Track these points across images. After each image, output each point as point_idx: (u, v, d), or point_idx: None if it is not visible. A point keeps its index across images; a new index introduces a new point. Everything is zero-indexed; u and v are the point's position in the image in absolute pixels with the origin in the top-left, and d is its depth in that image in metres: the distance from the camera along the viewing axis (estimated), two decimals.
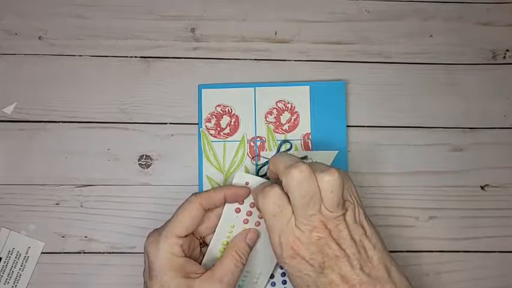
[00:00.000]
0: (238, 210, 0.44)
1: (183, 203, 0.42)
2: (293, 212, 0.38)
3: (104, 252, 0.48)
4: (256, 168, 0.49)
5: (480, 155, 0.51)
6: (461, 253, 0.50)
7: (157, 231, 0.41)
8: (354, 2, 0.53)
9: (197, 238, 0.44)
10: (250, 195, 0.44)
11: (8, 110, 0.50)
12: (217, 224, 0.44)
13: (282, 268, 0.48)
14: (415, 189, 0.50)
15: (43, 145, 0.49)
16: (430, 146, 0.51)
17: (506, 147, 0.51)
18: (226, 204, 0.44)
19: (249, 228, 0.44)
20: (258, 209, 0.40)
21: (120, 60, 0.51)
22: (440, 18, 0.53)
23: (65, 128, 0.50)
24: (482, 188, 0.51)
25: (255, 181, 0.44)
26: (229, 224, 0.44)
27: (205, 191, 0.43)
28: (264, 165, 0.49)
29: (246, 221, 0.44)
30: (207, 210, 0.43)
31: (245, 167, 0.49)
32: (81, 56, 0.51)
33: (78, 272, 0.48)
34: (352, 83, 0.51)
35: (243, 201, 0.44)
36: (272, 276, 0.47)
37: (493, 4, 0.53)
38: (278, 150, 0.50)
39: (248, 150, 0.50)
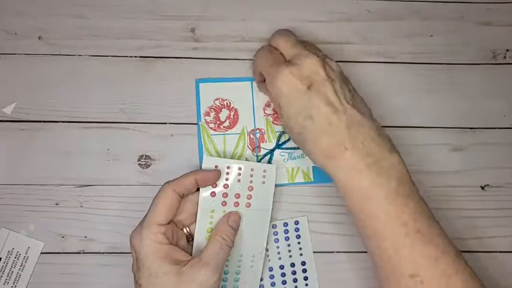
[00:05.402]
0: (213, 194, 0.46)
1: (157, 193, 0.43)
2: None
3: (103, 252, 0.48)
4: (257, 159, 0.50)
5: (480, 155, 0.51)
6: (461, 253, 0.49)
7: (140, 225, 0.42)
8: (354, 2, 0.53)
9: (181, 229, 0.45)
10: (222, 177, 0.46)
11: (8, 110, 0.50)
12: (197, 212, 0.45)
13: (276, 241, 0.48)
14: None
15: (43, 145, 0.49)
16: (430, 146, 0.51)
17: (506, 147, 0.51)
18: (201, 190, 0.45)
19: (230, 211, 0.46)
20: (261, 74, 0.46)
21: (120, 60, 0.51)
22: (440, 18, 0.53)
23: (65, 128, 0.50)
24: (482, 188, 0.51)
25: (223, 163, 0.46)
26: (209, 210, 0.45)
27: (176, 178, 0.44)
28: (264, 156, 0.50)
29: (224, 204, 0.46)
30: (183, 197, 0.44)
31: (246, 158, 0.50)
32: (81, 56, 0.51)
33: (78, 272, 0.48)
34: (352, 83, 0.51)
35: (216, 185, 0.46)
36: (267, 250, 0.48)
37: (493, 4, 0.53)
38: (277, 141, 0.50)
39: (248, 142, 0.50)
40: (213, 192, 0.46)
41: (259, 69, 0.46)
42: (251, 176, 0.46)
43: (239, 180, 0.46)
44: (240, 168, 0.46)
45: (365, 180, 0.40)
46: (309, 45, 0.45)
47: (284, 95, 0.42)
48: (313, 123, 0.41)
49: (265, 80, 0.45)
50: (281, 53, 0.45)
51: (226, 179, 0.46)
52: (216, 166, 0.46)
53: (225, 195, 0.46)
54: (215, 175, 0.45)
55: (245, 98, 0.51)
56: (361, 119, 0.41)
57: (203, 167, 0.46)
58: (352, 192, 0.40)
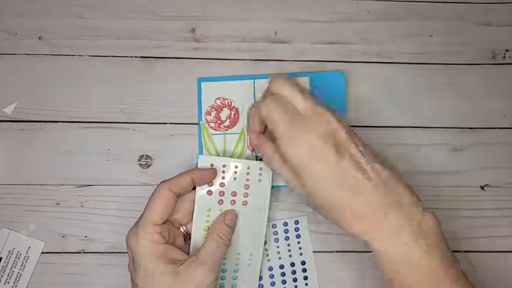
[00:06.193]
0: (210, 193, 0.46)
1: (153, 192, 0.43)
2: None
3: (104, 252, 0.48)
4: (256, 160, 0.49)
5: (480, 155, 0.51)
6: (461, 253, 0.49)
7: (136, 225, 0.42)
8: (354, 2, 0.53)
9: (177, 228, 0.45)
10: (218, 175, 0.46)
11: (8, 110, 0.50)
12: (193, 211, 0.45)
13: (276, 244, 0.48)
14: (415, 189, 0.50)
15: (43, 145, 0.49)
16: (430, 146, 0.51)
17: (506, 147, 0.51)
18: (197, 189, 0.45)
19: (227, 210, 0.45)
20: (262, 125, 0.43)
21: (120, 60, 0.51)
22: (440, 18, 0.53)
23: (65, 128, 0.50)
24: (482, 188, 0.51)
25: (219, 162, 0.46)
26: (205, 208, 0.45)
27: (172, 177, 0.44)
28: None
29: (220, 202, 0.46)
30: (179, 196, 0.44)
31: (246, 158, 0.49)
32: (81, 56, 0.51)
33: (79, 271, 0.48)
34: (351, 83, 0.51)
35: (212, 183, 0.46)
36: (267, 249, 0.48)
37: (493, 4, 0.53)
38: None
39: (248, 142, 0.50)
40: (210, 190, 0.46)
41: (274, 126, 0.41)
42: (247, 174, 0.46)
43: (235, 179, 0.46)
44: (236, 167, 0.46)
45: (405, 249, 0.37)
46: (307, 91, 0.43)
47: (307, 157, 0.39)
48: (343, 189, 0.38)
49: (265, 130, 0.43)
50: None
51: (223, 178, 0.46)
52: (212, 165, 0.46)
53: (222, 193, 0.46)
54: (211, 174, 0.45)
55: (246, 97, 0.50)
56: (390, 175, 0.39)
57: (199, 165, 0.46)
58: (392, 261, 0.38)
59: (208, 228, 0.45)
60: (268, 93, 0.43)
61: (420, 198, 0.40)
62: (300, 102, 0.41)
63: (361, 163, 0.39)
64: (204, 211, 0.45)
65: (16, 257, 0.48)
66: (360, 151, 0.39)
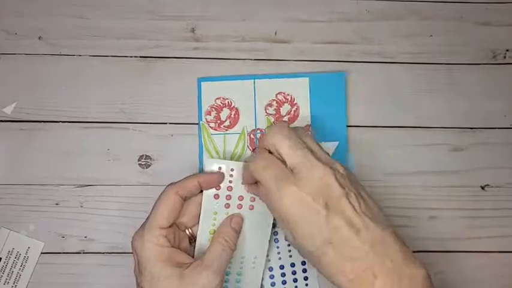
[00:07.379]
0: (217, 197, 0.45)
1: (160, 195, 0.43)
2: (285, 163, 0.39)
3: (103, 252, 0.48)
4: None
5: (480, 155, 0.51)
6: (461, 253, 0.49)
7: (141, 227, 0.42)
8: (354, 2, 0.53)
9: (183, 230, 0.45)
10: (226, 179, 0.45)
11: (8, 110, 0.50)
12: (200, 214, 0.45)
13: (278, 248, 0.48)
14: (415, 189, 0.50)
15: (43, 145, 0.49)
16: (430, 146, 0.51)
17: (506, 147, 0.51)
18: (204, 193, 0.45)
19: (233, 213, 0.45)
20: (254, 178, 0.41)
21: (120, 60, 0.51)
22: (440, 18, 0.53)
23: (65, 128, 0.50)
24: (482, 188, 0.51)
25: (226, 166, 0.45)
26: (211, 212, 0.45)
27: (179, 180, 0.43)
28: None
29: (227, 206, 0.45)
30: (185, 199, 0.43)
31: (245, 160, 0.49)
32: (81, 56, 0.51)
33: (78, 272, 0.48)
34: (351, 83, 0.51)
35: (220, 187, 0.45)
36: (268, 260, 0.47)
37: (493, 4, 0.53)
38: None
39: (248, 142, 0.50)
40: (216, 194, 0.45)
41: (261, 182, 0.40)
42: None
43: (242, 183, 0.46)
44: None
45: None
46: (307, 139, 0.40)
47: (295, 215, 0.37)
48: (334, 248, 0.36)
49: (256, 182, 0.41)
50: (281, 158, 0.39)
51: (230, 181, 0.45)
52: (220, 168, 0.45)
53: (228, 197, 0.45)
54: (218, 178, 0.45)
55: (246, 97, 0.50)
56: (383, 234, 0.37)
57: (206, 169, 0.45)
58: None
59: (214, 231, 0.44)
60: (261, 147, 0.42)
61: (409, 249, 0.37)
62: (289, 157, 0.39)
63: (354, 221, 0.37)
64: (210, 214, 0.45)
65: (16, 257, 0.48)
66: (353, 207, 0.37)
